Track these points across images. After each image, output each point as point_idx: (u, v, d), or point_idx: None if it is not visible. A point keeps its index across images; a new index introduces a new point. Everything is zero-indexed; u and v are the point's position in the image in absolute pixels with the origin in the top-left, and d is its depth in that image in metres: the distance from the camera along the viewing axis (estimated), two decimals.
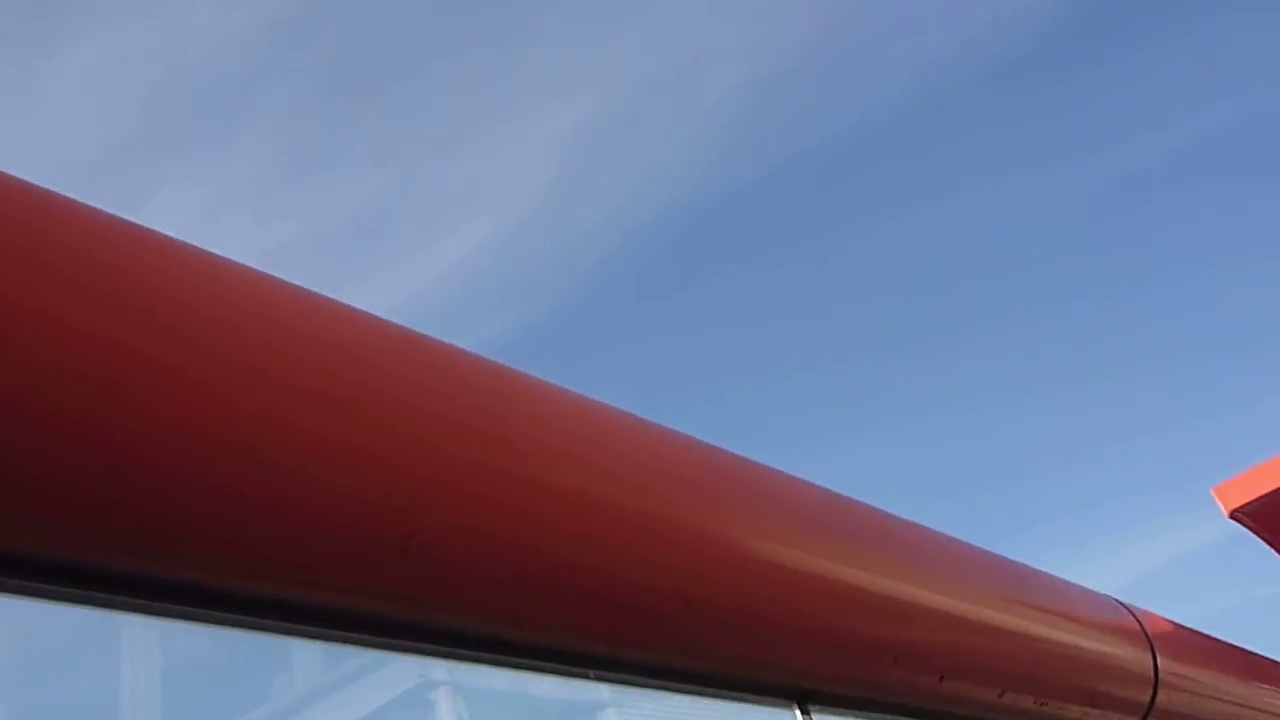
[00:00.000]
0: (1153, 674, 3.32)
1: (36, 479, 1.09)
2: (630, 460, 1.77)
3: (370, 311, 1.51)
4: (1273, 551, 8.02)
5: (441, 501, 1.47)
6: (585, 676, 1.78)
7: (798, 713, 2.15)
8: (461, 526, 1.50)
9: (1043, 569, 3.02)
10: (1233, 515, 7.89)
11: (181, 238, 1.34)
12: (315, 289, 1.46)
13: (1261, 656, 4.32)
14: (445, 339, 1.60)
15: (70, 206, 1.21)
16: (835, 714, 2.27)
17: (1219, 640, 4.05)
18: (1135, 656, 3.24)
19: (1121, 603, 3.39)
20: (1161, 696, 3.38)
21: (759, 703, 2.10)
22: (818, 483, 2.18)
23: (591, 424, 1.75)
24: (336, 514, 1.37)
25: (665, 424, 1.92)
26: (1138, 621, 3.36)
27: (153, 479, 1.17)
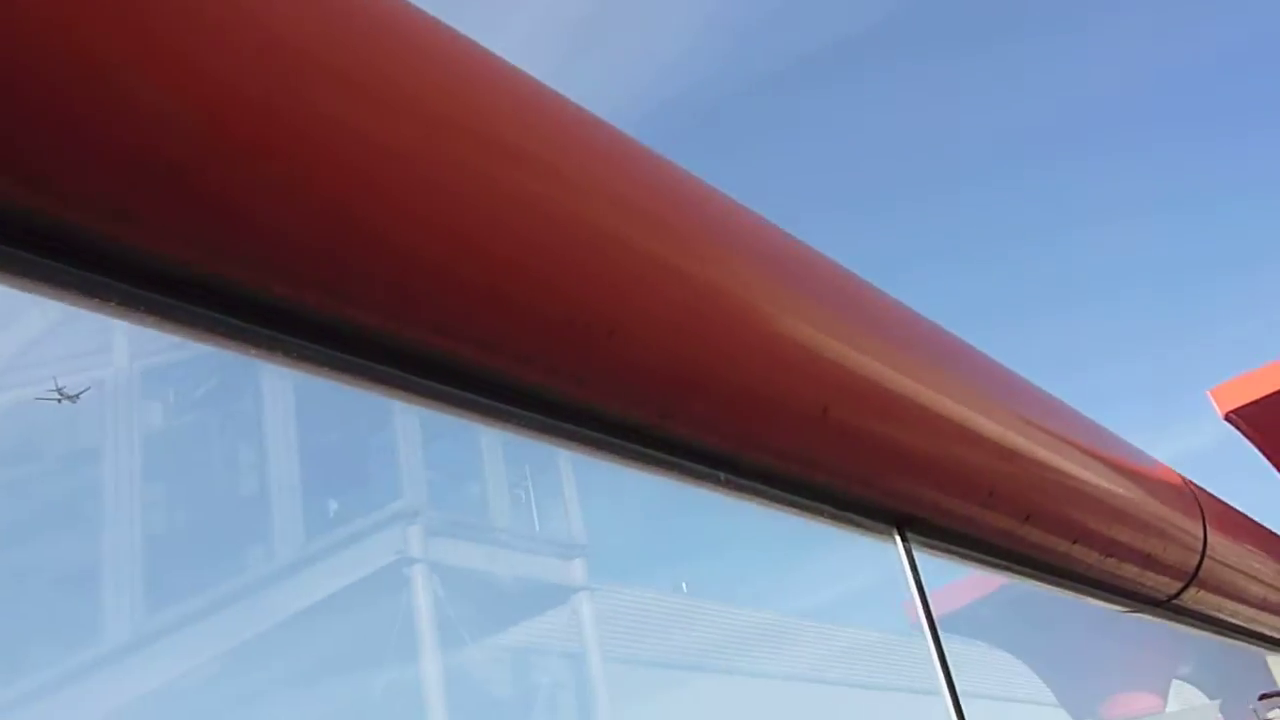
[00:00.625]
0: (1201, 543, 3.37)
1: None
2: (791, 277, 1.77)
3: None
4: (1261, 455, 8.13)
5: (617, 290, 1.45)
6: (716, 480, 1.77)
7: (898, 539, 2.17)
8: (631, 314, 1.48)
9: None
10: (1227, 417, 7.98)
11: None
12: None
13: None
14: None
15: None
16: (928, 546, 2.29)
17: (1256, 522, 4.12)
18: (1189, 526, 3.28)
19: (1177, 473, 3.44)
20: (1205, 565, 3.44)
21: (861, 526, 2.12)
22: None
23: (760, 238, 1.74)
24: (536, 294, 1.35)
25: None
26: (1193, 493, 3.41)
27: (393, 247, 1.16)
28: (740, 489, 1.83)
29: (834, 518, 2.04)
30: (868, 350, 1.89)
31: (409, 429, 22.69)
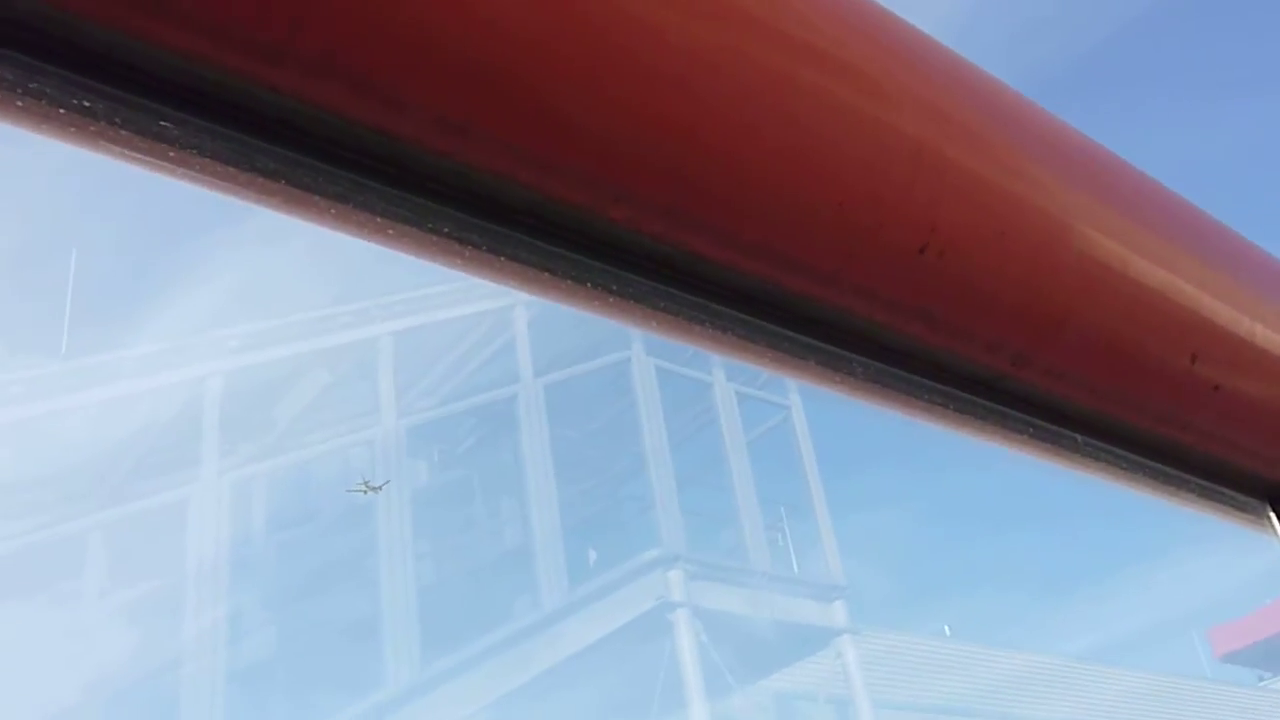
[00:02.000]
0: None
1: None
2: (1146, 215, 1.57)
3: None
4: None
5: (957, 213, 1.30)
6: (1072, 444, 1.57)
7: (1271, 515, 1.89)
8: (977, 241, 1.32)
9: None
10: None
11: None
12: None
13: None
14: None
15: None
16: None
17: None
18: None
19: None
20: None
21: (1229, 502, 1.86)
22: None
23: (1111, 170, 1.55)
24: (860, 212, 1.21)
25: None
26: None
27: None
28: (1098, 455, 1.62)
29: (1200, 491, 1.80)
30: (1231, 298, 1.66)
31: (662, 475, 22.82)
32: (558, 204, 1.05)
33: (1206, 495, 1.84)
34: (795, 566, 23.68)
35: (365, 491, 20.20)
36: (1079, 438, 1.57)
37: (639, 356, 23.70)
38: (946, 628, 30.91)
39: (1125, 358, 1.52)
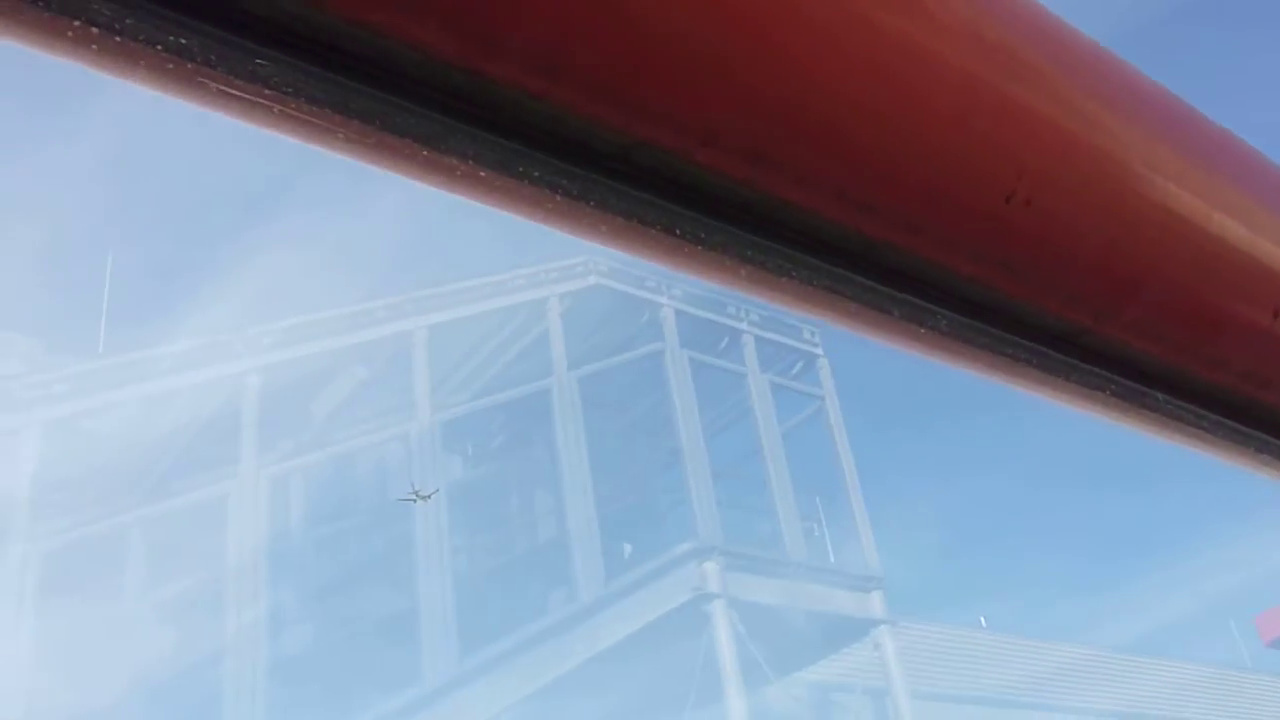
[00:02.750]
0: None
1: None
2: (1225, 170, 1.53)
3: None
4: None
5: (1042, 162, 1.27)
6: (1153, 402, 1.54)
7: None
8: (1062, 191, 1.30)
9: None
10: None
11: None
12: None
13: None
14: None
15: None
16: None
17: None
18: None
19: None
20: None
21: None
22: None
23: (1194, 127, 1.51)
24: (948, 159, 1.19)
25: None
26: None
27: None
28: (1178, 415, 1.58)
29: (1278, 454, 1.76)
30: None
31: (697, 468, 22.79)
32: (645, 146, 1.04)
33: None
34: (831, 557, 23.60)
35: (415, 499, 20.43)
36: (1160, 396, 1.54)
37: (673, 348, 23.67)
38: (982, 619, 30.74)
39: (1208, 313, 1.49)
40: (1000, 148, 1.23)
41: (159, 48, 0.84)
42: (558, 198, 1.05)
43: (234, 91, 0.87)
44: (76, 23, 0.81)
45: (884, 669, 22.37)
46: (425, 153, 0.97)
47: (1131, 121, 1.42)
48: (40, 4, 0.79)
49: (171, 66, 0.85)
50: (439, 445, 23.68)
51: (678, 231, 1.11)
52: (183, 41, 0.84)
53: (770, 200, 1.12)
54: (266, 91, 0.88)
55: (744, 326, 24.76)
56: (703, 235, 1.12)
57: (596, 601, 21.15)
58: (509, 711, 20.87)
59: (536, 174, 1.02)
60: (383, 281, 24.30)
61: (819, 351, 25.48)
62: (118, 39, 0.83)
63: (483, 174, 1.00)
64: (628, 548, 23.60)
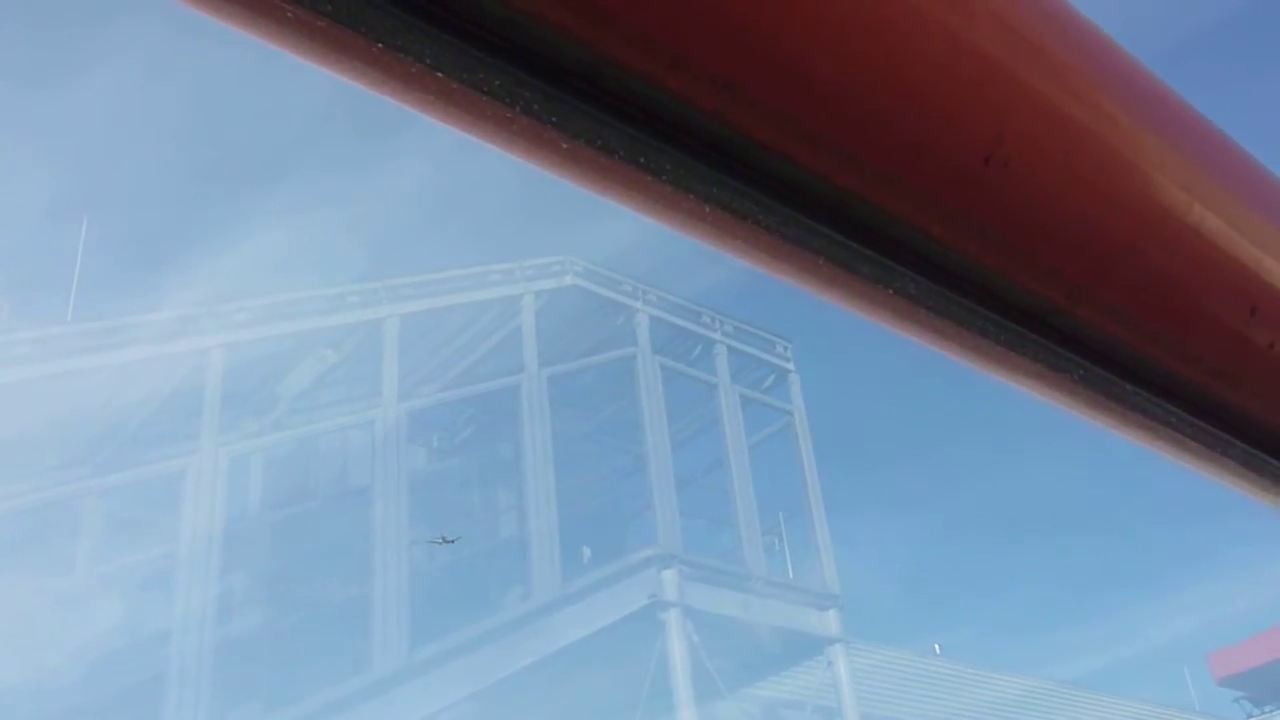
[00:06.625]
0: None
1: None
2: (1215, 169, 1.50)
3: None
4: None
5: (1025, 126, 1.24)
6: (1120, 393, 1.51)
7: None
8: (1043, 159, 1.26)
9: None
10: None
11: None
12: None
13: None
14: None
15: None
16: None
17: None
18: None
19: None
20: None
21: (1263, 471, 1.79)
22: None
23: (1186, 118, 1.48)
24: (928, 109, 1.15)
25: None
26: None
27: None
28: (1143, 408, 1.55)
29: (1242, 459, 1.73)
30: None
31: (662, 475, 22.74)
32: (613, 65, 0.99)
33: (1249, 464, 1.78)
34: (791, 573, 23.60)
35: (440, 543, 20.58)
36: (1128, 386, 1.51)
37: (645, 354, 23.64)
38: (937, 646, 30.80)
39: (1183, 303, 1.45)
40: (983, 105, 1.19)
41: None
42: (519, 113, 1.01)
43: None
44: None
45: (836, 688, 22.37)
46: (379, 48, 0.93)
47: (1119, 101, 1.39)
48: None
49: None
50: (404, 435, 23.54)
51: (642, 160, 1.06)
52: None
53: (739, 138, 1.08)
54: (319, 23, 0.85)
55: (718, 337, 24.76)
56: (668, 167, 1.07)
57: (552, 602, 21.07)
58: (453, 709, 20.73)
59: (498, 83, 0.98)
60: (371, 265, 24.19)
61: (791, 367, 25.51)
62: None
63: (439, 76, 0.95)
64: (587, 551, 23.53)
